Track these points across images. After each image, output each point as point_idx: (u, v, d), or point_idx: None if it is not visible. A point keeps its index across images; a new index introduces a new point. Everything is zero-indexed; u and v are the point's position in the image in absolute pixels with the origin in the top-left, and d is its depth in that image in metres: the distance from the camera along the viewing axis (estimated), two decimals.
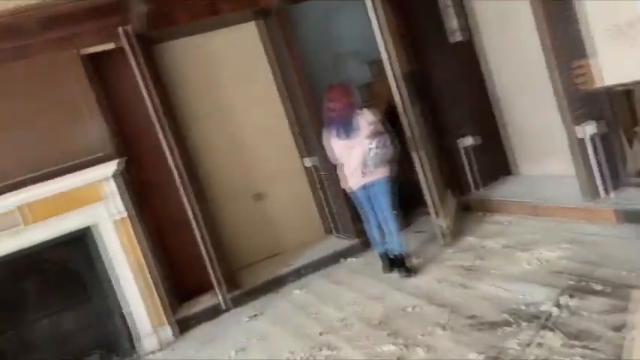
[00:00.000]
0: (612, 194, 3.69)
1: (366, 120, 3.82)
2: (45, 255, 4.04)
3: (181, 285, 4.46)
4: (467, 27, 4.96)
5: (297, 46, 4.83)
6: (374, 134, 3.78)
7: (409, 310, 3.26)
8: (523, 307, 2.80)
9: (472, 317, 2.89)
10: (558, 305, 2.68)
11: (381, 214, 3.97)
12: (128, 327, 4.06)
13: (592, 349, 2.24)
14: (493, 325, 2.73)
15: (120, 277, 4.02)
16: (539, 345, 2.40)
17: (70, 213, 3.86)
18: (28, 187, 3.74)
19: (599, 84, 3.62)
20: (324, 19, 5.96)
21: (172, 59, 4.74)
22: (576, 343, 2.32)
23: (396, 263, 3.94)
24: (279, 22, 4.69)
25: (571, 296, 2.71)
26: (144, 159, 4.38)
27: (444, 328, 2.88)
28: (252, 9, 4.68)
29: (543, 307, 2.71)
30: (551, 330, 2.48)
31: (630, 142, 3.72)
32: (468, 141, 5.07)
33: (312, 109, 4.78)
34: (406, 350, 2.78)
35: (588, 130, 3.64)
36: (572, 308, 2.62)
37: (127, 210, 3.99)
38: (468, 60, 5.02)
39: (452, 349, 2.64)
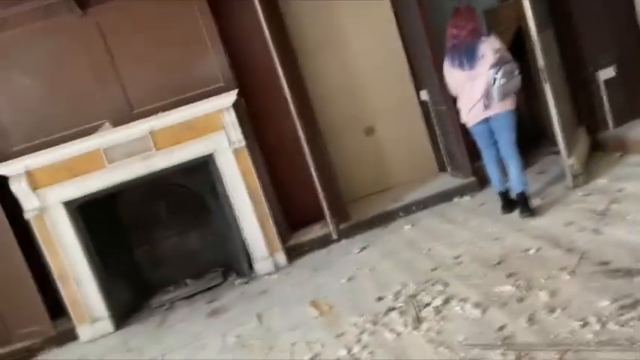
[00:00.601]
0: None
1: (491, 47, 3.52)
2: (173, 179, 4.36)
3: (294, 213, 4.61)
4: None
5: None
6: (500, 63, 3.48)
7: (531, 252, 3.06)
8: None
9: (604, 264, 2.64)
10: None
11: (504, 150, 3.71)
12: (246, 250, 4.30)
13: None
14: (629, 273, 2.46)
15: (238, 203, 4.22)
16: None
17: (194, 141, 4.08)
18: (158, 115, 3.99)
19: None
20: None
21: None
22: None
23: (518, 203, 3.70)
24: None
25: None
26: (260, 89, 4.47)
27: (571, 273, 2.66)
28: None
29: None
30: None
31: None
32: (608, 73, 4.49)
33: (430, 37, 4.50)
34: (527, 292, 2.63)
35: None
36: None
37: (243, 140, 4.13)
38: None
39: (579, 294, 2.45)
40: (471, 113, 3.71)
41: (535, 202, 3.77)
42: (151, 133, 4.01)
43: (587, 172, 3.97)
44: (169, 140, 4.05)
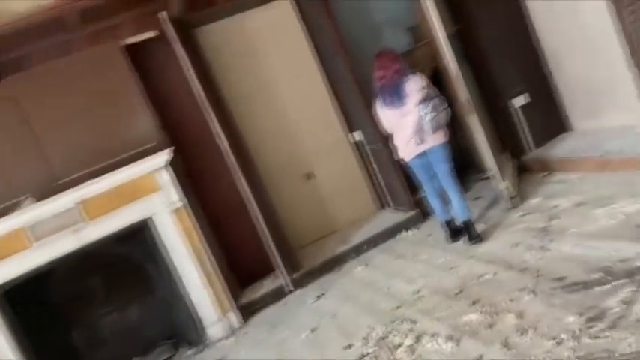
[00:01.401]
0: None
1: (416, 85, 3.67)
2: (108, 250, 4.05)
3: (242, 269, 4.45)
4: None
5: (335, 17, 4.66)
6: (427, 98, 3.64)
7: (487, 277, 3.12)
8: (617, 264, 2.62)
9: (561, 279, 2.74)
10: None
11: (443, 182, 3.83)
12: (194, 316, 4.05)
13: None
14: (587, 285, 2.57)
15: (181, 266, 4.00)
16: None
17: (128, 206, 3.86)
18: (87, 183, 3.74)
19: None
20: None
21: (212, 42, 4.65)
22: None
23: (464, 231, 3.80)
24: None
25: None
26: (192, 146, 4.36)
27: (531, 292, 2.73)
28: None
29: (638, 263, 2.53)
30: None
31: None
32: (521, 100, 4.85)
33: (355, 81, 4.64)
34: (494, 317, 2.65)
35: None
36: None
37: (182, 199, 3.96)
38: (515, 15, 4.76)
39: (545, 312, 2.50)
40: (407, 149, 3.82)
41: (479, 228, 3.89)
42: (81, 203, 3.74)
43: (520, 193, 4.18)
44: (102, 209, 3.79)
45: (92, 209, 3.77)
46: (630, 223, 3.00)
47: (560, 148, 4.65)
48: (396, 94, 3.70)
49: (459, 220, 3.83)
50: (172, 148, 3.91)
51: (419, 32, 5.37)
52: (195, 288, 4.01)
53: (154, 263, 4.13)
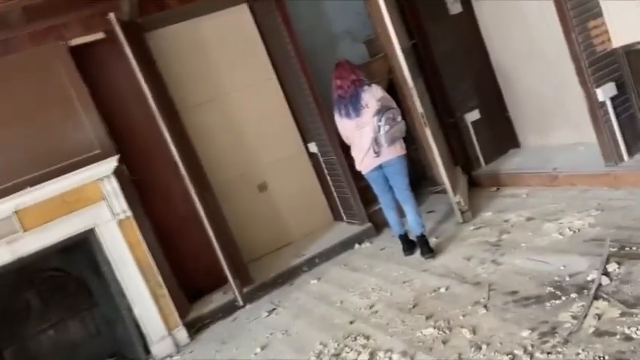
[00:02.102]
0: (636, 157, 3.59)
1: (374, 96, 3.66)
2: (46, 263, 3.80)
3: (191, 283, 4.26)
4: None
5: (292, 26, 4.61)
6: (383, 110, 3.61)
7: (442, 291, 3.11)
8: (567, 279, 2.67)
9: (513, 293, 2.76)
10: (606, 273, 2.55)
11: (399, 195, 3.83)
12: (140, 331, 3.84)
13: None
14: (539, 300, 2.59)
15: (127, 279, 3.79)
16: (597, 317, 2.26)
17: (70, 215, 3.62)
18: (25, 190, 3.49)
19: (615, 44, 3.50)
20: None
21: (164, 47, 4.49)
22: (637, 311, 2.19)
23: (418, 245, 3.79)
24: (274, 2, 4.45)
25: (618, 263, 2.59)
26: (140, 155, 4.17)
27: (485, 306, 2.73)
28: None
29: (589, 277, 2.58)
30: (606, 300, 2.35)
31: None
32: (474, 115, 4.95)
33: (311, 92, 4.60)
34: (449, 333, 2.63)
35: (608, 91, 3.52)
36: (622, 276, 2.49)
37: (130, 208, 3.77)
38: (468, 31, 4.88)
39: (499, 327, 2.50)
40: (364, 161, 3.78)
41: (432, 241, 3.90)
42: (17, 212, 3.48)
43: (471, 207, 4.23)
44: (40, 218, 3.54)
45: (28, 219, 3.52)
46: (578, 238, 3.08)
47: (510, 163, 4.76)
48: (352, 105, 3.68)
49: (414, 234, 3.83)
50: (118, 155, 3.71)
51: (375, 45, 5.41)
52: (140, 303, 3.80)
53: (97, 277, 3.90)
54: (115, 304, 3.85)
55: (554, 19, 3.65)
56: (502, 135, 5.02)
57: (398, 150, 3.72)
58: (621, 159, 3.60)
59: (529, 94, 4.75)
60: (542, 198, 3.95)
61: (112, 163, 3.69)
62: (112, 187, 3.72)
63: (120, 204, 3.72)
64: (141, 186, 4.08)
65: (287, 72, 4.81)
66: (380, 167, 3.77)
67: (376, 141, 3.65)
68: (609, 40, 3.50)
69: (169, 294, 3.88)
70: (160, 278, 3.85)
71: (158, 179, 4.20)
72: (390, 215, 3.95)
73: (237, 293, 4.00)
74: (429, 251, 3.70)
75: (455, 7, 4.83)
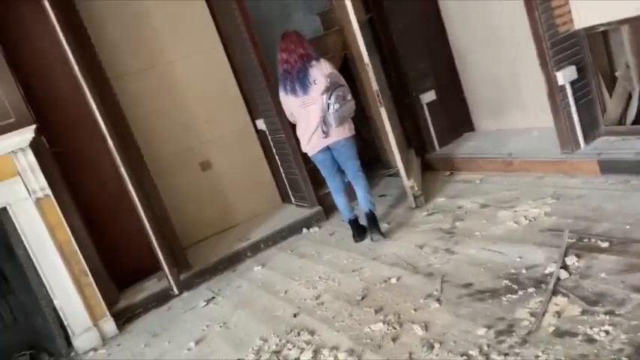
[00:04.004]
0: (593, 144, 3.49)
1: (322, 72, 3.36)
2: None
3: (122, 269, 3.90)
4: None
5: None
6: (332, 87, 3.31)
7: (393, 281, 2.91)
8: (524, 271, 2.52)
9: (468, 286, 2.58)
10: (565, 267, 2.40)
11: (350, 174, 3.61)
12: (62, 322, 3.46)
13: (619, 315, 1.97)
14: (495, 294, 2.43)
15: (47, 266, 3.39)
16: (556, 314, 2.11)
17: None
18: None
19: (578, 25, 3.36)
20: None
21: (97, 9, 4.01)
22: (599, 309, 2.05)
23: (367, 223, 3.59)
24: None
25: (577, 256, 2.45)
26: (66, 126, 3.74)
27: (438, 300, 2.55)
28: None
29: (547, 270, 2.44)
30: (565, 295, 2.20)
31: (609, 88, 3.51)
32: (430, 96, 4.76)
33: (262, 65, 4.25)
34: (400, 328, 2.43)
35: (568, 75, 3.38)
36: (582, 270, 2.35)
37: (50, 185, 3.35)
38: (427, 8, 4.66)
39: (453, 324, 2.32)
40: (310, 142, 3.51)
41: (384, 227, 3.69)
42: None
43: (425, 192, 4.05)
44: None
45: None
46: (534, 227, 2.94)
47: (465, 147, 4.62)
48: (299, 81, 3.38)
49: (363, 210, 3.61)
50: (36, 126, 3.27)
51: (330, 18, 5.11)
52: (61, 291, 3.41)
53: (11, 262, 3.46)
54: (33, 292, 3.44)
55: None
56: (457, 118, 4.87)
57: (346, 131, 3.47)
58: (578, 146, 3.50)
59: (485, 76, 4.60)
60: (496, 184, 3.82)
61: (27, 134, 3.24)
62: (29, 161, 3.28)
63: (38, 180, 3.29)
64: (65, 161, 3.66)
65: (235, 42, 4.43)
66: (327, 149, 3.51)
67: (324, 120, 3.37)
68: (571, 20, 3.36)
69: (96, 282, 3.50)
70: (84, 264, 3.46)
71: (85, 153, 3.79)
72: (339, 199, 3.71)
73: (171, 280, 3.67)
74: (378, 231, 3.52)
75: None
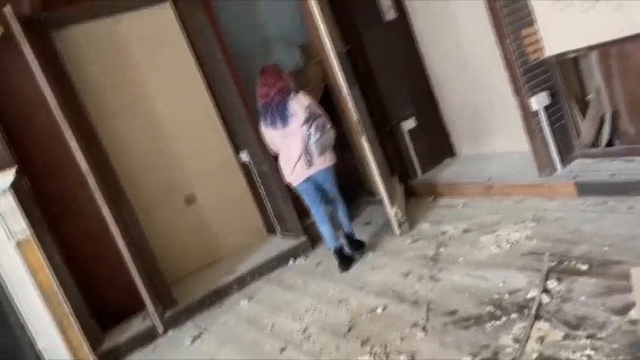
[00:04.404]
0: (569, 167, 3.57)
1: (301, 104, 3.46)
2: None
3: (106, 308, 3.84)
4: (400, 4, 4.70)
5: (220, 28, 4.30)
6: (311, 118, 3.42)
7: (379, 311, 2.91)
8: (506, 296, 2.54)
9: (452, 313, 2.59)
10: (546, 291, 2.43)
11: (330, 200, 3.76)
12: None
13: (600, 338, 1.99)
14: (479, 320, 2.44)
15: (27, 308, 3.35)
16: (539, 339, 2.12)
17: None
18: None
19: (548, 53, 3.47)
20: None
21: (74, 47, 4.05)
22: (580, 333, 2.07)
23: (346, 242, 3.82)
24: (200, 1, 4.13)
25: (558, 280, 2.48)
26: (44, 167, 3.73)
27: (423, 329, 2.55)
28: None
29: (530, 295, 2.46)
30: (547, 320, 2.22)
31: (582, 111, 3.61)
32: (410, 124, 4.83)
33: (243, 97, 4.31)
34: (387, 359, 2.42)
35: (541, 101, 3.48)
36: (563, 293, 2.38)
37: (31, 227, 3.32)
38: (403, 38, 4.77)
39: (439, 352, 2.32)
40: (294, 172, 3.58)
41: (369, 255, 3.72)
42: None
43: (409, 218, 4.09)
44: None
45: None
46: (516, 251, 2.97)
47: (446, 172, 4.68)
48: (279, 114, 3.48)
49: (345, 230, 3.81)
50: (16, 167, 3.26)
51: (310, 50, 5.20)
52: (43, 334, 3.36)
53: None
54: (14, 335, 3.37)
55: (486, 28, 3.58)
56: (438, 143, 4.94)
57: (327, 160, 3.58)
58: (555, 169, 3.57)
59: (463, 102, 4.70)
60: (478, 208, 3.87)
61: (8, 176, 3.23)
62: (9, 204, 3.26)
63: (17, 223, 3.27)
64: (46, 201, 3.63)
65: (215, 76, 4.49)
66: (310, 178, 3.59)
67: (307, 150, 3.47)
68: (542, 48, 3.47)
69: (79, 323, 3.44)
70: (66, 306, 3.41)
71: (67, 193, 3.77)
72: (324, 228, 3.74)
73: (156, 318, 3.62)
74: (359, 246, 3.81)
75: (389, 14, 4.71)
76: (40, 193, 3.61)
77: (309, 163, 3.50)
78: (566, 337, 2.09)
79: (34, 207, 3.43)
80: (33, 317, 3.34)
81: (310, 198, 3.68)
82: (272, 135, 3.56)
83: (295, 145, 3.47)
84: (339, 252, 3.73)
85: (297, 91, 3.55)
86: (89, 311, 3.66)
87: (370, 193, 5.15)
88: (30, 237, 3.30)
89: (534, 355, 2.04)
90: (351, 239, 3.83)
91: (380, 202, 4.29)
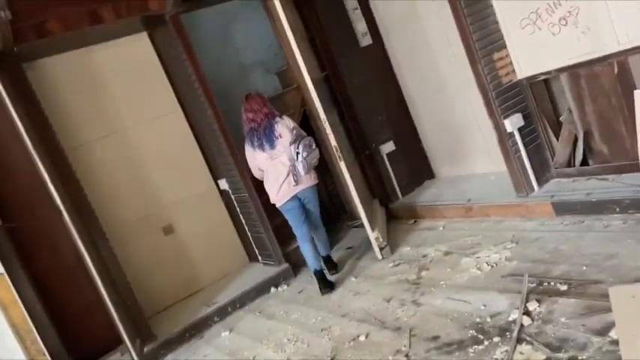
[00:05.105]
0: (545, 187, 3.61)
1: (287, 126, 3.68)
2: None
3: (82, 344, 3.73)
4: (376, 30, 4.78)
5: (197, 56, 4.31)
6: (298, 138, 3.65)
7: (361, 339, 2.86)
8: (488, 320, 2.52)
9: (435, 339, 2.56)
10: (527, 313, 2.42)
11: (312, 222, 3.84)
12: None
13: None
14: (461, 345, 2.41)
15: (2, 346, 3.22)
16: None
17: None
18: None
19: (520, 75, 3.54)
20: (224, 28, 5.54)
21: (49, 79, 4.02)
22: (562, 355, 2.05)
23: (324, 264, 3.94)
24: (175, 30, 4.14)
25: (538, 301, 2.47)
26: (21, 199, 3.66)
27: (406, 356, 2.51)
28: (142, 16, 4.08)
29: (511, 317, 2.45)
30: (529, 343, 2.21)
31: (556, 132, 3.67)
32: (389, 147, 4.86)
33: (221, 125, 4.29)
34: None
35: (515, 122, 3.53)
36: (544, 315, 2.37)
37: (2, 263, 3.23)
38: (380, 64, 4.84)
39: None
40: (280, 191, 3.70)
41: (351, 281, 3.70)
42: None
43: (390, 242, 4.07)
44: None
45: None
46: (496, 273, 2.97)
47: (426, 194, 4.70)
48: (266, 137, 3.64)
49: (321, 254, 3.93)
50: None
51: (287, 76, 5.24)
52: None
53: None
54: None
55: (460, 51, 3.65)
56: (417, 166, 4.97)
57: (311, 179, 3.73)
58: (531, 189, 3.60)
59: (440, 125, 4.75)
60: (458, 230, 3.87)
61: None
62: None
63: None
64: (18, 235, 3.54)
65: (193, 105, 4.48)
66: (296, 197, 3.71)
67: (294, 169, 3.62)
68: (514, 71, 3.54)
69: None
70: (41, 344, 3.30)
71: (41, 226, 3.70)
72: (306, 248, 3.80)
73: (134, 354, 3.52)
74: (334, 267, 3.98)
75: (365, 40, 4.78)
76: (12, 228, 3.51)
77: (296, 181, 3.63)
78: (548, 359, 2.07)
79: (5, 241, 3.34)
80: (6, 356, 3.22)
81: (294, 217, 3.76)
82: (259, 157, 3.67)
83: (282, 165, 3.63)
84: (319, 274, 3.74)
85: (281, 115, 3.74)
86: (65, 349, 3.54)
87: (351, 217, 5.14)
88: (2, 273, 3.21)
89: None
90: (328, 261, 4.02)
91: (361, 226, 4.29)
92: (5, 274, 3.23)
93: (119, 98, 4.36)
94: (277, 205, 3.75)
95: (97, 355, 3.78)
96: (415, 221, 4.48)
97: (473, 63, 3.49)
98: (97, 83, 4.28)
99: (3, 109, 3.36)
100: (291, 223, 3.80)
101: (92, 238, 3.52)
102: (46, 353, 3.31)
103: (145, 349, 3.63)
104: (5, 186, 3.57)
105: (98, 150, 4.23)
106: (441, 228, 4.07)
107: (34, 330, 3.29)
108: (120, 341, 3.69)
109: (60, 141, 3.74)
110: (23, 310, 3.27)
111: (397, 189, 4.86)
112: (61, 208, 3.34)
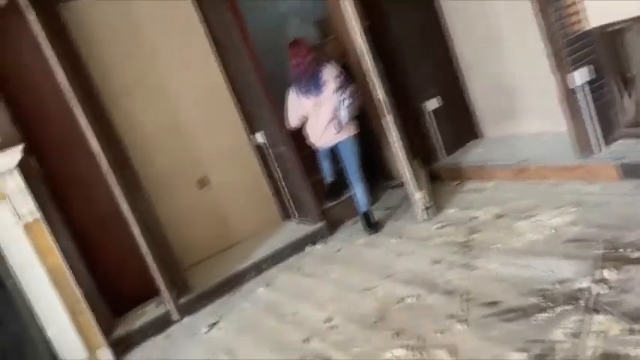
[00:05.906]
0: (609, 148, 3.33)
1: (332, 74, 3.66)
2: None
3: (119, 294, 3.69)
4: None
5: (237, 5, 4.07)
6: (343, 86, 3.65)
7: (409, 301, 2.71)
8: (553, 287, 2.33)
9: (493, 304, 2.39)
10: (597, 281, 2.22)
11: (351, 175, 3.86)
12: (54, 354, 3.24)
13: None
14: (524, 313, 2.23)
15: (36, 293, 3.20)
16: (595, 334, 1.92)
17: None
18: None
19: (590, 25, 3.21)
20: None
21: (84, 21, 3.85)
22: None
23: (363, 220, 3.91)
24: None
25: (608, 268, 2.26)
26: (53, 146, 3.56)
27: (462, 321, 2.35)
28: None
29: (580, 285, 2.25)
30: (607, 313, 2.01)
31: (624, 88, 3.36)
32: (433, 104, 4.59)
33: (258, 77, 4.09)
34: (423, 355, 2.23)
35: (581, 77, 3.23)
36: (616, 283, 2.17)
37: (39, 209, 3.15)
38: (429, 15, 4.50)
39: (483, 348, 2.12)
40: (323, 138, 3.77)
41: (392, 242, 3.54)
42: None
43: (434, 203, 3.87)
44: None
45: None
46: (559, 237, 2.75)
47: (473, 155, 4.45)
48: (312, 83, 3.65)
49: (360, 210, 3.89)
50: (23, 145, 3.08)
51: (326, 26, 4.96)
52: (54, 321, 3.21)
53: (0, 289, 3.25)
54: (23, 322, 3.22)
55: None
56: (462, 125, 4.70)
57: (352, 129, 3.76)
58: (596, 150, 3.33)
59: (490, 81, 4.44)
60: (509, 192, 3.64)
61: (15, 154, 3.05)
62: (16, 183, 3.09)
63: (25, 204, 3.10)
64: (55, 181, 3.46)
65: (230, 53, 4.26)
66: (334, 145, 3.80)
67: (337, 117, 3.65)
68: (584, 19, 3.21)
69: (90, 309, 3.28)
70: (78, 291, 3.25)
71: (77, 173, 3.60)
72: (325, 164, 4.11)
73: (171, 305, 3.46)
74: (373, 228, 3.85)
75: None
76: (48, 174, 3.43)
77: (337, 130, 3.67)
78: (624, 330, 1.88)
79: (42, 188, 3.27)
80: (42, 303, 3.19)
81: (326, 156, 4.04)
82: (304, 103, 3.68)
83: (325, 112, 3.65)
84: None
85: (328, 62, 3.75)
86: (101, 297, 3.50)
87: (389, 177, 4.94)
88: (39, 219, 3.13)
89: (596, 352, 1.84)
90: (368, 220, 3.89)
91: (400, 186, 4.11)
92: (42, 220, 3.15)
93: (155, 44, 4.19)
94: (315, 146, 3.93)
95: (133, 304, 3.74)
96: (459, 183, 4.26)
97: (542, 9, 3.17)
98: (134, 30, 4.11)
99: (38, 49, 3.21)
100: (321, 161, 4.11)
101: (130, 187, 3.41)
102: (83, 300, 3.26)
103: (181, 301, 3.57)
104: (41, 131, 3.46)
105: (134, 97, 4.09)
106: (490, 190, 3.84)
107: (71, 277, 3.23)
108: (154, 293, 3.65)
109: (96, 85, 3.60)
110: (60, 257, 3.20)
111: (441, 148, 4.62)
112: (99, 155, 3.22)
